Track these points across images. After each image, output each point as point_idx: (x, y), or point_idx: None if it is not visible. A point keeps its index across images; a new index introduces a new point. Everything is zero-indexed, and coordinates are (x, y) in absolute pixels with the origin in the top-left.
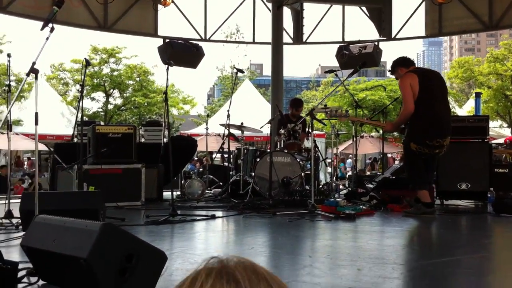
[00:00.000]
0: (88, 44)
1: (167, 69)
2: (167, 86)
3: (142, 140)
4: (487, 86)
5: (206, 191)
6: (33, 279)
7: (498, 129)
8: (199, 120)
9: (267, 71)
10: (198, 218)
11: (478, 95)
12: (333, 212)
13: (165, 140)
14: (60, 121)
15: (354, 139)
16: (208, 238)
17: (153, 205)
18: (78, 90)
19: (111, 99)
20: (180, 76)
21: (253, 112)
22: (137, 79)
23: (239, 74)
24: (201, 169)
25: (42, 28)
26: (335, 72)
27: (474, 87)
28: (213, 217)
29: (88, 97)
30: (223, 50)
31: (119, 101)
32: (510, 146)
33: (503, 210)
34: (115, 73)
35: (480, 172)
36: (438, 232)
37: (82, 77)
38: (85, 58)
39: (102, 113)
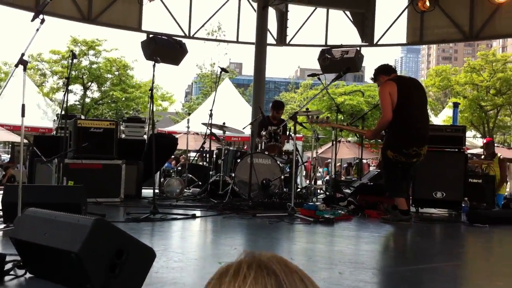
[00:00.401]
0: (68, 35)
1: (154, 65)
2: (153, 83)
3: (123, 136)
4: (462, 96)
5: (185, 190)
6: (20, 272)
7: (471, 139)
8: (176, 118)
9: (246, 70)
10: (179, 217)
11: (456, 105)
12: (312, 216)
13: (145, 136)
14: (35, 113)
15: (334, 143)
16: (190, 238)
17: (132, 202)
18: (63, 83)
19: (88, 92)
20: (158, 72)
21: (232, 112)
22: (116, 73)
23: (219, 73)
24: (179, 168)
25: (33, 19)
26: (318, 76)
27: (450, 96)
28: (194, 216)
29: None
30: (203, 47)
31: (96, 95)
32: (487, 150)
33: (476, 220)
34: (94, 66)
35: (455, 182)
36: (414, 239)
37: (68, 70)
38: (72, 51)
39: (79, 106)
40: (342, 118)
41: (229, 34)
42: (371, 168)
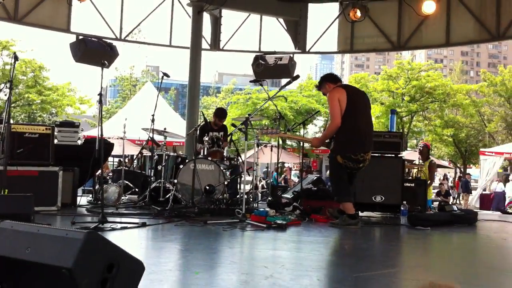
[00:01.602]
0: None
1: (102, 69)
2: (101, 88)
3: (55, 141)
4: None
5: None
6: None
7: None
8: (94, 121)
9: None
10: (129, 226)
11: (393, 112)
12: (263, 222)
13: (79, 142)
14: None
15: (277, 149)
16: (151, 247)
17: (69, 211)
18: (6, 86)
19: (1, 94)
20: (73, 73)
21: (157, 115)
22: (31, 74)
23: (137, 76)
24: (110, 174)
25: None
26: (260, 82)
27: None
28: (144, 225)
29: None
30: (121, 50)
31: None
32: (422, 155)
33: (417, 223)
34: (7, 67)
35: (394, 186)
36: (369, 243)
37: (11, 72)
38: (14, 53)
39: None
40: (267, 123)
41: (161, 38)
42: (293, 172)
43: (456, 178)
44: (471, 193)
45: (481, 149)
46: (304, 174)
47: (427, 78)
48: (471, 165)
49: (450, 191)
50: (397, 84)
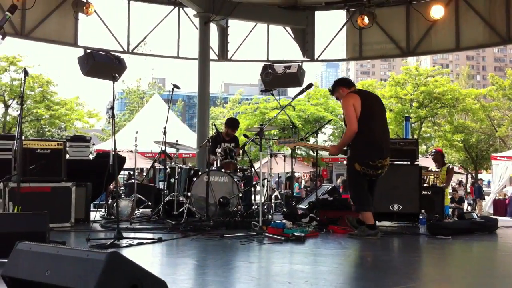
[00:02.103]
0: None
1: (113, 83)
2: (113, 100)
3: (67, 156)
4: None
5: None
6: None
7: None
8: (102, 135)
9: (169, 85)
10: (145, 241)
11: (407, 119)
12: (281, 234)
13: (91, 156)
14: None
15: (291, 159)
16: (169, 264)
17: (83, 227)
18: (17, 102)
19: (10, 110)
20: (80, 87)
21: (167, 127)
22: (39, 89)
23: (144, 88)
24: (121, 188)
25: None
26: (271, 92)
27: None
28: (160, 240)
29: None
30: (129, 62)
31: (18, 113)
32: (437, 161)
33: (438, 232)
34: (15, 82)
35: (411, 194)
36: (392, 255)
37: (22, 88)
38: (24, 68)
39: (0, 124)
40: (276, 132)
41: (168, 50)
42: (303, 182)
43: (469, 184)
44: (484, 199)
45: (492, 154)
46: (318, 184)
47: (435, 83)
48: (482, 170)
49: (465, 197)
50: (405, 90)
